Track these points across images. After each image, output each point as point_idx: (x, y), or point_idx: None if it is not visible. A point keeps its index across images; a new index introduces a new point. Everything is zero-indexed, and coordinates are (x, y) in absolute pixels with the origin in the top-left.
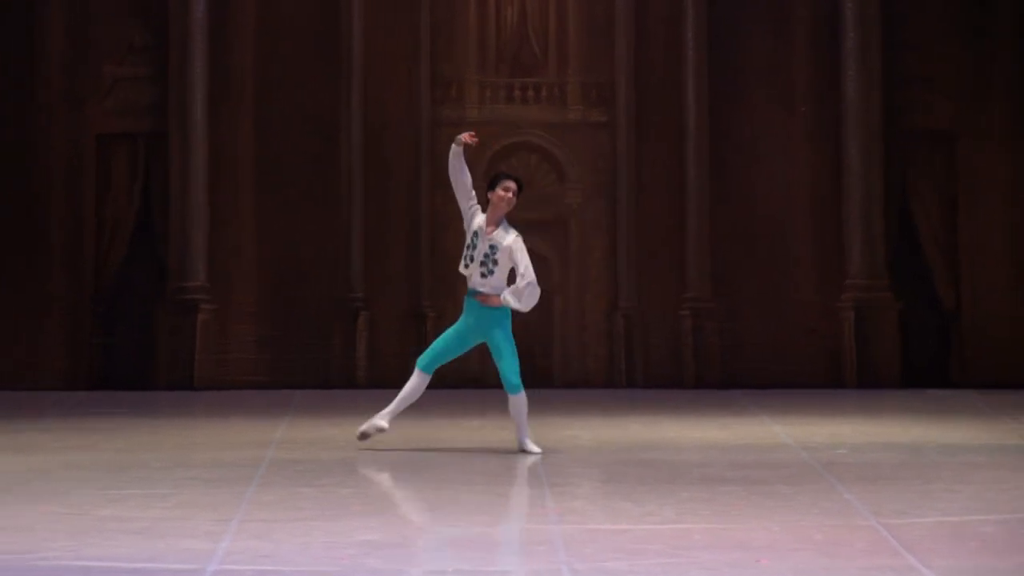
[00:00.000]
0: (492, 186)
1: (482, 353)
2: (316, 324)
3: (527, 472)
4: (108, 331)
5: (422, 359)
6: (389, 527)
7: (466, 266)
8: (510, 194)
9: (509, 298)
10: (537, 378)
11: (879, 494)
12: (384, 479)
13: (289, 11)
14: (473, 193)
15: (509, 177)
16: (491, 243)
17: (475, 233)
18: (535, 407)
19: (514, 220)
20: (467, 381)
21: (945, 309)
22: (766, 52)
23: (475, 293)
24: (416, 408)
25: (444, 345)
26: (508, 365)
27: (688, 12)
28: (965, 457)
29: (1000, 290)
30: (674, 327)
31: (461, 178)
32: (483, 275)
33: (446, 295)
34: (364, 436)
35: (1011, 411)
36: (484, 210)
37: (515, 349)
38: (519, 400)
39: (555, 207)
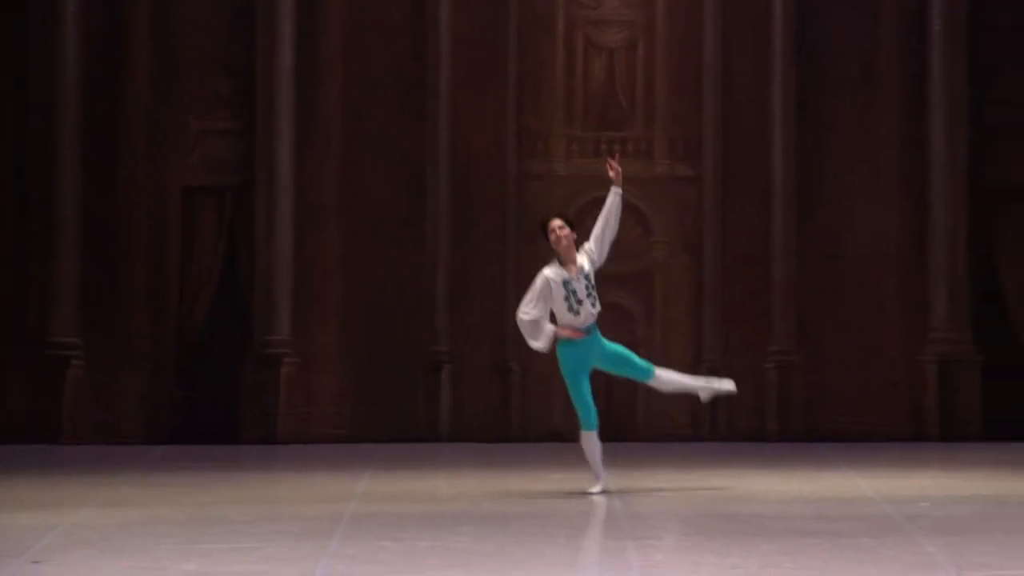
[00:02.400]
0: (546, 236)
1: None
2: (399, 378)
3: (609, 525)
4: (191, 384)
5: (585, 423)
6: None
7: (577, 313)
8: (563, 231)
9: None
10: (620, 431)
11: (962, 547)
12: (465, 533)
13: (376, 61)
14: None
15: (551, 219)
16: (584, 276)
17: (565, 283)
18: (619, 460)
19: (600, 272)
20: (549, 435)
21: None
22: (853, 105)
23: (589, 328)
24: (498, 462)
25: (585, 393)
26: (633, 354)
27: (775, 65)
28: None
29: None
30: (759, 380)
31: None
32: (593, 304)
33: (531, 350)
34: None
35: None
36: (552, 263)
37: None
38: (662, 373)
39: (641, 261)
